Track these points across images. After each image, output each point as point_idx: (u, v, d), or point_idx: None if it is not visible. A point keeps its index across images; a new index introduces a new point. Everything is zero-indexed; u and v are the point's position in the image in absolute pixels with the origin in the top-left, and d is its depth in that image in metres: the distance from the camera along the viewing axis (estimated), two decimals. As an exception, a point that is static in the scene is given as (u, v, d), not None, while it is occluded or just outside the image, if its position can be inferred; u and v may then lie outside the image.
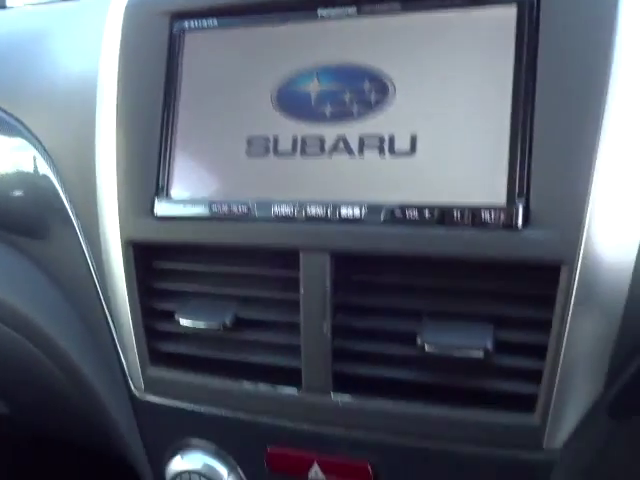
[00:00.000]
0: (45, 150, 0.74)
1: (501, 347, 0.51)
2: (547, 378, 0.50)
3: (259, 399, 0.58)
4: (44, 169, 0.74)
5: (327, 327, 0.54)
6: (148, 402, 0.64)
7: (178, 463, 0.62)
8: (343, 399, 0.55)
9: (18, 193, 0.81)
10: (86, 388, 0.73)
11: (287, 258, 0.55)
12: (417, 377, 0.54)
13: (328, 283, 0.54)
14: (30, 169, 0.79)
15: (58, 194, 0.72)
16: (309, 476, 0.57)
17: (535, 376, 0.50)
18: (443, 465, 0.54)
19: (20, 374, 0.84)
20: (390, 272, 0.53)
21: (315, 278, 0.54)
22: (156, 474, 0.66)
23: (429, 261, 0.52)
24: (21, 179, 0.80)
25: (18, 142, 0.79)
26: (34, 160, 0.77)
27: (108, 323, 0.67)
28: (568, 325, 0.48)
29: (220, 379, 0.59)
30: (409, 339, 0.53)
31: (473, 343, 0.51)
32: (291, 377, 0.57)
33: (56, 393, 0.80)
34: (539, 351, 0.50)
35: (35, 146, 0.76)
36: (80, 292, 0.72)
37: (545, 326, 0.49)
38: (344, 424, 0.55)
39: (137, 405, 0.65)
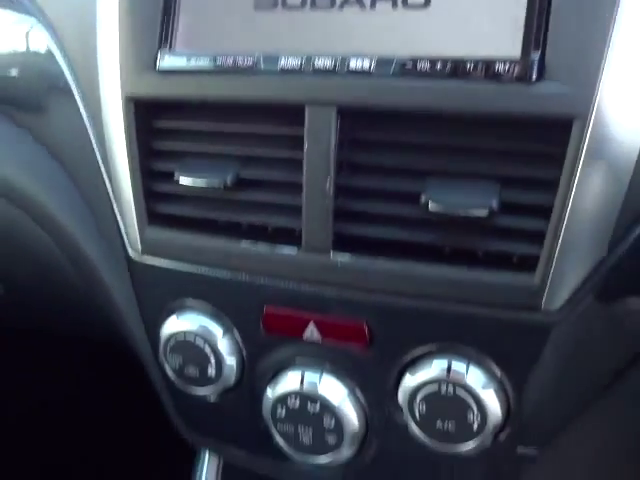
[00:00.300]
0: (45, 16, 0.72)
1: (506, 208, 0.50)
2: (550, 239, 0.49)
3: (257, 259, 0.58)
4: (43, 37, 0.72)
5: (330, 185, 0.53)
6: (145, 264, 0.63)
7: (173, 324, 0.62)
8: (343, 259, 0.55)
9: (18, 64, 0.79)
10: (81, 258, 0.72)
11: (292, 115, 0.54)
12: (419, 238, 0.53)
13: (333, 140, 0.53)
14: (29, 38, 0.77)
15: (57, 62, 0.70)
16: (304, 337, 0.58)
17: (538, 237, 0.50)
18: (440, 327, 0.54)
19: (16, 250, 0.84)
20: (397, 129, 0.52)
21: (320, 134, 0.53)
22: (152, 340, 0.66)
23: (437, 118, 0.51)
24: (20, 49, 0.78)
25: (18, 11, 0.77)
26: (34, 29, 0.75)
27: (107, 190, 0.66)
28: (575, 184, 0.48)
29: (218, 239, 0.59)
30: (413, 199, 0.52)
31: (478, 201, 0.50)
32: (291, 238, 0.57)
33: (51, 267, 0.80)
34: (544, 212, 0.49)
35: (34, 14, 0.73)
36: (79, 162, 0.71)
37: (552, 186, 0.49)
38: (342, 284, 0.55)
39: (134, 269, 0.65)
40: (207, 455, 0.76)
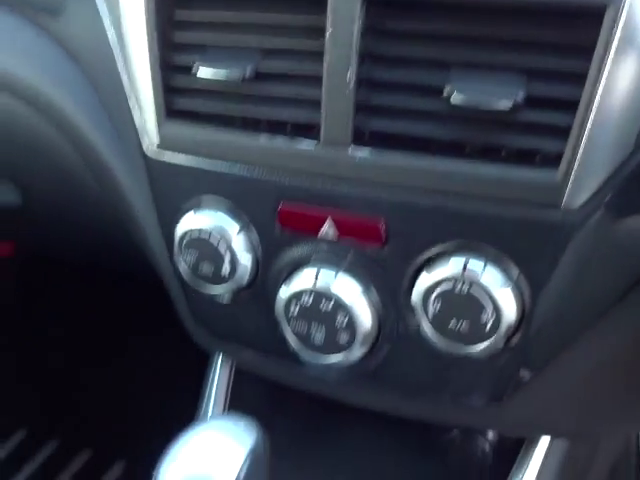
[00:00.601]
0: None
1: (531, 101, 0.49)
2: (575, 134, 0.48)
3: (275, 154, 0.57)
4: None
5: (351, 77, 0.52)
6: (162, 162, 0.63)
7: (190, 220, 0.61)
8: (362, 153, 0.54)
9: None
10: (97, 159, 0.72)
11: (314, 4, 0.52)
12: (440, 134, 0.52)
13: (356, 29, 0.51)
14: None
15: None
16: (320, 234, 0.57)
17: (563, 133, 0.49)
18: (459, 225, 0.53)
19: (32, 156, 0.84)
20: (422, 19, 0.51)
21: (343, 23, 0.51)
22: (167, 239, 0.66)
23: (464, 6, 0.49)
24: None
25: None
26: None
27: (123, 87, 0.65)
28: (604, 77, 0.46)
29: (236, 134, 0.58)
30: (436, 93, 0.51)
31: (503, 93, 0.49)
32: (310, 134, 0.56)
33: (68, 172, 0.79)
34: (570, 106, 0.48)
35: None
36: (96, 61, 0.70)
37: (580, 79, 0.47)
38: (361, 180, 0.55)
39: (151, 166, 0.64)
40: (219, 362, 0.76)
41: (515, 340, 0.56)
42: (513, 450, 0.69)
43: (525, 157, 0.51)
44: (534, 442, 0.67)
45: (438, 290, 0.53)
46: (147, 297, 1.06)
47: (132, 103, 0.64)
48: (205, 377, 0.77)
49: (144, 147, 0.64)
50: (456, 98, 0.49)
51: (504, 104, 0.49)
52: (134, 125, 0.64)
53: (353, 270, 0.57)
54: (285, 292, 0.59)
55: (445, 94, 0.50)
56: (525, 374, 0.58)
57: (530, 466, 0.67)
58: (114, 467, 1.45)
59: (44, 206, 0.92)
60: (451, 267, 0.53)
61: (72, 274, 1.50)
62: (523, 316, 0.54)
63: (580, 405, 0.64)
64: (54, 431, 1.54)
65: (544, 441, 0.66)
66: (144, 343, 1.53)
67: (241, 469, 0.49)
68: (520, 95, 0.48)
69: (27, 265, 1.55)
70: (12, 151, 0.85)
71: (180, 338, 0.78)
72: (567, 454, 0.67)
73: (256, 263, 0.61)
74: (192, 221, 0.61)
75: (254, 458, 0.50)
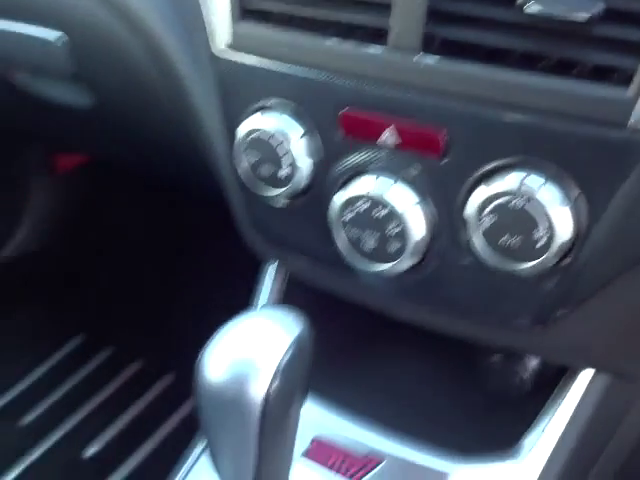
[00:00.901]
0: None
1: (609, 15, 0.48)
2: None
3: (343, 57, 0.57)
4: None
5: None
6: (231, 62, 0.64)
7: (254, 121, 0.62)
8: (430, 60, 0.54)
9: None
10: (166, 61, 0.73)
11: None
12: (512, 45, 0.51)
13: None
14: None
15: None
16: (381, 140, 0.57)
17: (638, 51, 0.48)
18: (522, 139, 0.52)
19: (105, 58, 0.86)
20: None
21: None
22: (230, 142, 0.67)
23: None
24: None
25: None
26: None
27: None
28: None
29: (306, 36, 0.59)
30: (511, 1, 0.50)
31: (581, 4, 0.48)
32: (379, 41, 0.56)
33: (136, 75, 0.81)
34: None
35: None
36: None
37: None
38: (427, 88, 0.54)
39: (219, 67, 0.65)
40: (272, 270, 0.78)
41: (565, 263, 0.55)
42: (552, 382, 0.69)
43: (598, 74, 0.50)
44: (575, 375, 0.67)
45: (494, 204, 0.53)
46: (204, 211, 1.08)
47: (204, 3, 0.65)
48: (257, 284, 0.79)
49: (213, 48, 0.65)
50: (531, 7, 0.49)
51: (581, 15, 0.48)
52: (204, 26, 0.65)
53: (411, 180, 0.57)
54: (340, 197, 0.60)
55: (520, 2, 0.49)
56: (572, 300, 0.58)
57: (567, 398, 0.67)
58: (164, 378, 1.51)
59: (113, 110, 0.94)
60: (509, 181, 0.53)
61: (137, 186, 1.54)
62: (576, 239, 0.54)
63: (626, 339, 0.63)
64: (109, 340, 1.60)
65: (585, 376, 0.66)
66: (199, 258, 1.57)
67: (284, 356, 0.50)
68: (599, 7, 0.47)
69: (97, 176, 1.60)
70: (88, 52, 0.87)
71: (234, 254, 0.80)
72: (606, 393, 0.67)
73: (315, 168, 0.62)
74: (256, 122, 0.62)
75: (298, 347, 0.51)
